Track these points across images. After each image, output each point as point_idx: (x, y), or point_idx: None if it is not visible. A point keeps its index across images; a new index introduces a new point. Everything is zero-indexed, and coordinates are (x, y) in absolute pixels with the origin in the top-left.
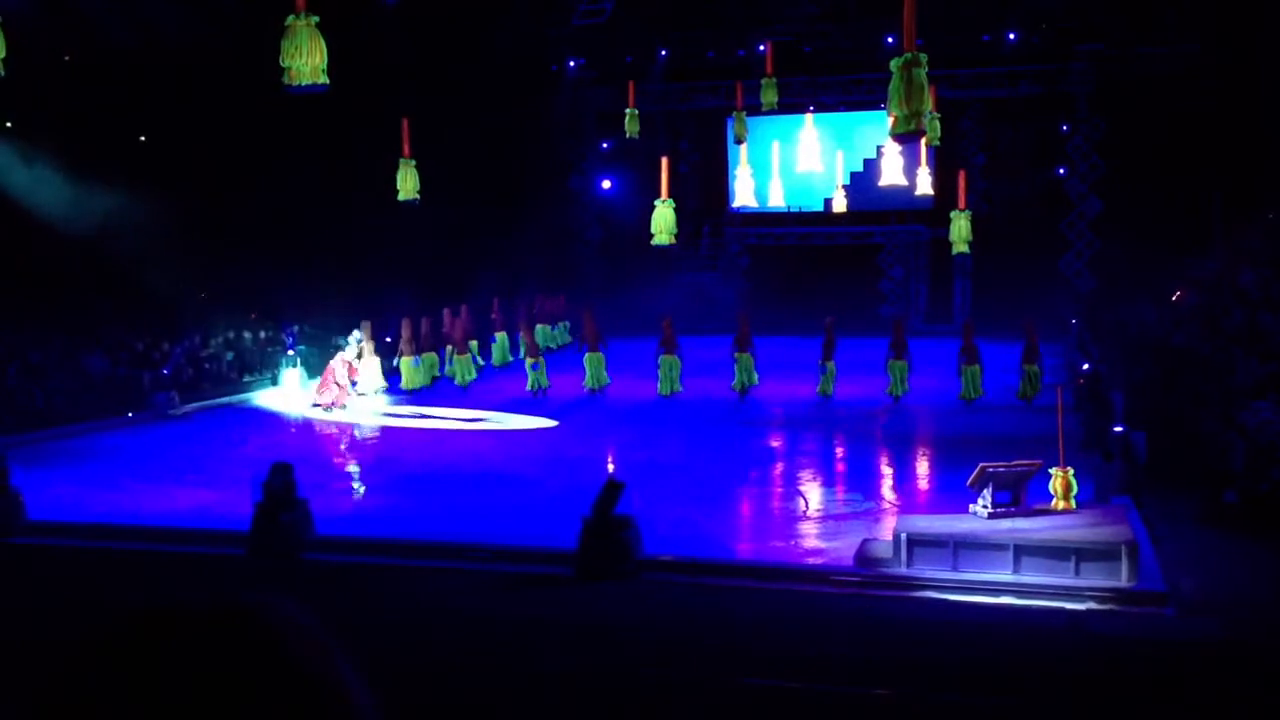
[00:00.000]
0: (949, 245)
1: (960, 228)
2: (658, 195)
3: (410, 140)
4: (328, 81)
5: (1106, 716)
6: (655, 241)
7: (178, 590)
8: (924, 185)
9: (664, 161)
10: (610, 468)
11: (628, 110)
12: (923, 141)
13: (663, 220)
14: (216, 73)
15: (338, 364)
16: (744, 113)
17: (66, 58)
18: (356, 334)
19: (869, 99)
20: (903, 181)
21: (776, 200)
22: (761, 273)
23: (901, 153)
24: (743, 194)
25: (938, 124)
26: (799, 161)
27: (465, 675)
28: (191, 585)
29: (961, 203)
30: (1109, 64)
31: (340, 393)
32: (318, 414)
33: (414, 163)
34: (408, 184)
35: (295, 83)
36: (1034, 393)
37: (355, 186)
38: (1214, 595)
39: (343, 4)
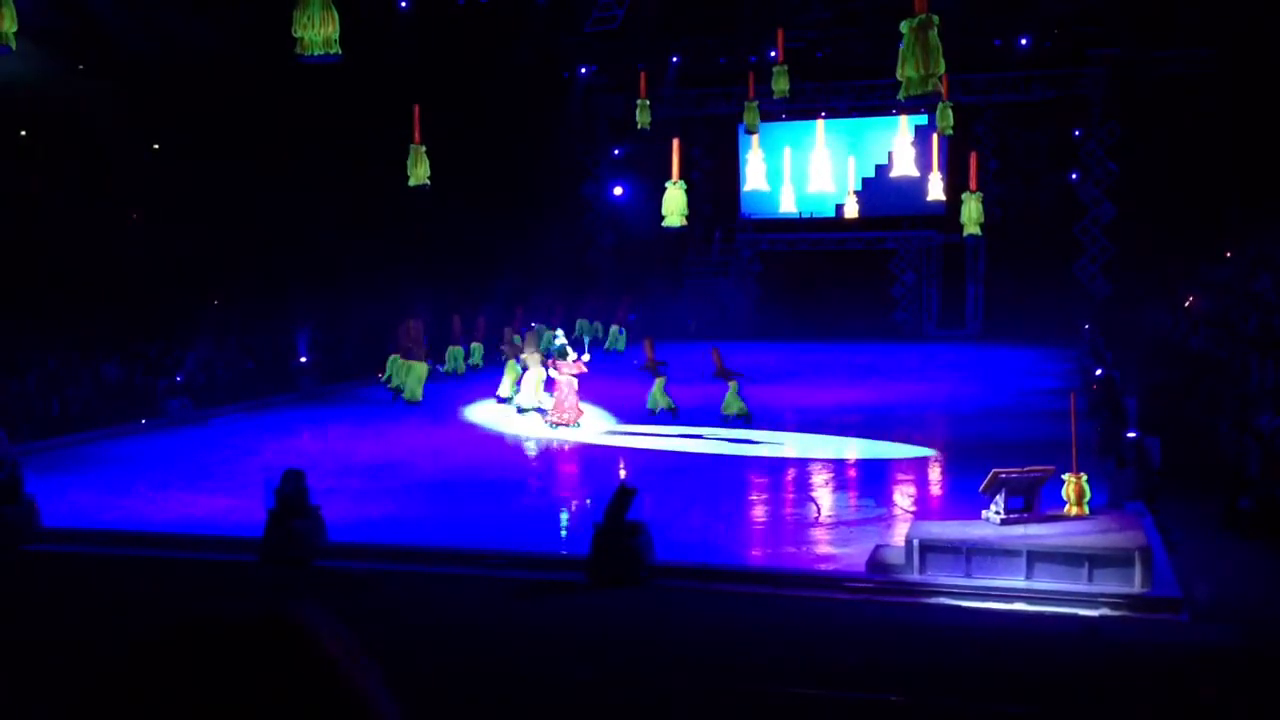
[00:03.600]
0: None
1: (971, 209)
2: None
3: (421, 133)
4: (340, 53)
5: None
6: (666, 224)
7: (196, 598)
8: (936, 191)
9: (675, 143)
10: (622, 473)
11: (639, 101)
12: (935, 146)
13: (674, 201)
14: (230, 79)
15: (565, 376)
16: (756, 103)
17: (80, 66)
18: (560, 334)
19: (881, 104)
20: (914, 172)
21: (788, 206)
22: (774, 278)
23: (914, 142)
24: (754, 178)
25: (950, 112)
26: (811, 181)
27: (476, 682)
28: (205, 591)
29: (973, 184)
30: (1123, 68)
31: (575, 409)
32: (551, 431)
33: (424, 148)
34: (419, 170)
35: (307, 53)
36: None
37: (373, 194)
38: (1229, 601)
39: (357, 13)
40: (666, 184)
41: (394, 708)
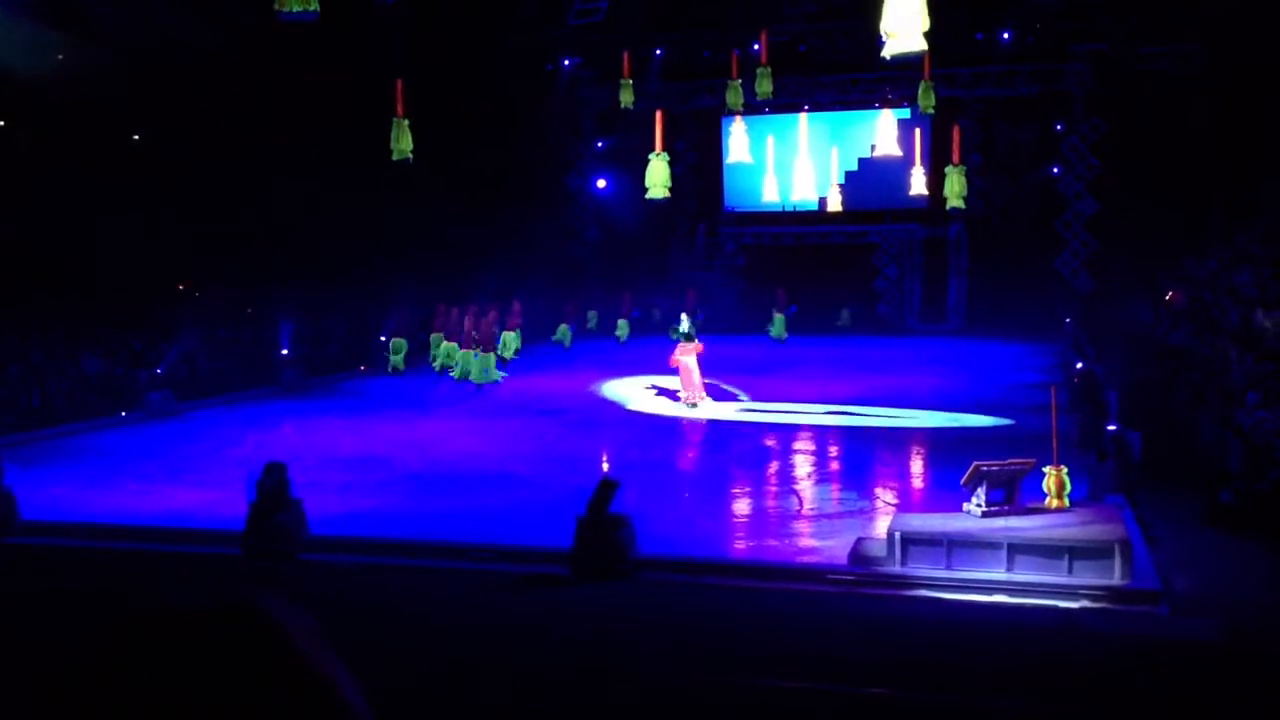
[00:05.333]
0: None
1: (954, 182)
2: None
3: (404, 107)
4: (318, 10)
5: (1099, 714)
6: (649, 195)
7: (173, 590)
8: (918, 184)
9: (658, 115)
10: (605, 466)
11: (622, 80)
12: (917, 139)
13: (657, 173)
14: (216, 72)
15: (690, 358)
16: (739, 82)
17: (60, 56)
18: (686, 320)
19: (865, 98)
20: (897, 152)
21: (771, 197)
22: (757, 272)
23: (899, 124)
24: (737, 150)
25: (932, 92)
26: (795, 190)
27: (459, 675)
28: (186, 585)
29: (955, 157)
30: (1107, 64)
31: (699, 387)
32: (685, 410)
33: (407, 122)
34: (401, 143)
35: (284, 9)
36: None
37: (359, 187)
38: (1208, 594)
39: (342, 7)
40: (650, 156)
41: (360, 697)
